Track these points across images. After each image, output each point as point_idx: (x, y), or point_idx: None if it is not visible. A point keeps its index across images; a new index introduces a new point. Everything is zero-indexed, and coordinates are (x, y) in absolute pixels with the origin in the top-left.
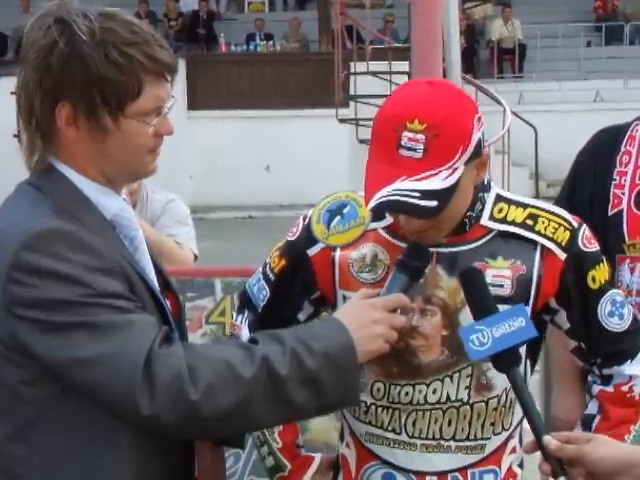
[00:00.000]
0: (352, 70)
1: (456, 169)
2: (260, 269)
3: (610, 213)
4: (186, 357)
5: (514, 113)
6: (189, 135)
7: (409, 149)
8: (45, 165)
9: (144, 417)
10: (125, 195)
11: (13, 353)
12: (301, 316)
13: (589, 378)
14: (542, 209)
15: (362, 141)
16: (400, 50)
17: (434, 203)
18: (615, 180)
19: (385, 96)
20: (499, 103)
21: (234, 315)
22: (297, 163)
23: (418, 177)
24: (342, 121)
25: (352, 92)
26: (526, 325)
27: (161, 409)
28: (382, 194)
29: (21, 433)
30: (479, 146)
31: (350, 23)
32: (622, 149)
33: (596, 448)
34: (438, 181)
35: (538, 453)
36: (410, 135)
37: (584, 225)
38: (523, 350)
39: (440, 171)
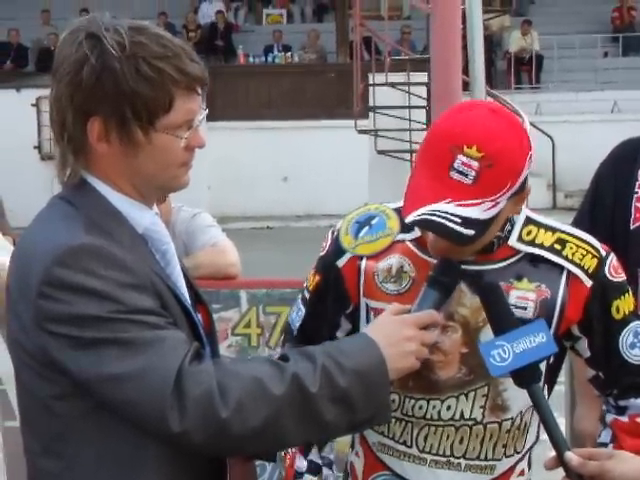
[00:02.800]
0: (371, 81)
1: (499, 203)
2: (300, 296)
3: (632, 227)
4: (216, 374)
5: (532, 124)
6: (207, 146)
7: (461, 173)
8: (77, 179)
9: (174, 434)
10: (156, 210)
11: (44, 368)
12: (339, 334)
13: (603, 407)
14: (571, 235)
15: (381, 152)
16: (418, 62)
17: (471, 232)
18: (637, 193)
19: (404, 107)
20: (517, 114)
21: (279, 349)
22: (315, 174)
23: (463, 203)
24: (361, 132)
25: (371, 103)
26: (547, 341)
27: (191, 426)
28: (424, 211)
29: (53, 447)
30: (524, 183)
31: (368, 35)
32: None
33: (618, 465)
34: (480, 211)
35: (540, 468)
36: (465, 160)
37: (612, 254)
38: (543, 374)
39: (484, 201)
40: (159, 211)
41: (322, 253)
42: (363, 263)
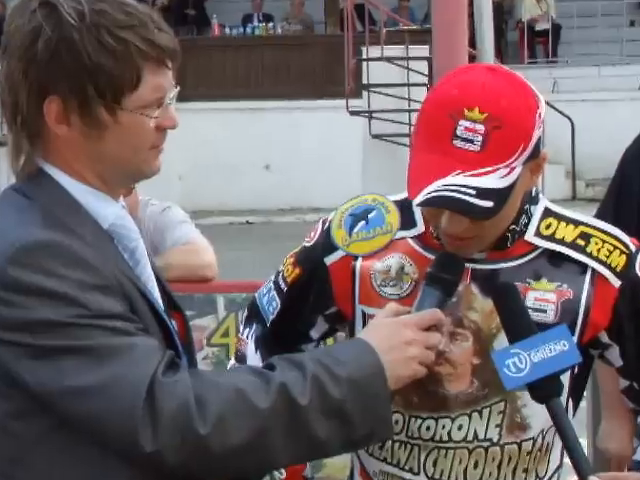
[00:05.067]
0: (364, 56)
1: (514, 168)
2: (272, 277)
3: None
4: (193, 385)
5: (547, 103)
6: (178, 130)
7: (465, 140)
8: (33, 168)
9: (146, 454)
10: (123, 202)
11: None
12: (314, 333)
13: (639, 420)
14: (596, 228)
15: (376, 136)
16: (418, 33)
17: (490, 204)
18: None
19: (402, 85)
20: None
21: (240, 328)
22: (301, 161)
23: (474, 172)
24: (353, 113)
25: (364, 81)
26: (569, 349)
27: (165, 445)
28: (432, 188)
29: (9, 473)
30: (538, 145)
31: (360, 2)
32: None
33: None
34: (495, 179)
35: None
36: (468, 124)
37: None
38: (566, 384)
39: (498, 168)
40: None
41: (308, 244)
42: (358, 264)
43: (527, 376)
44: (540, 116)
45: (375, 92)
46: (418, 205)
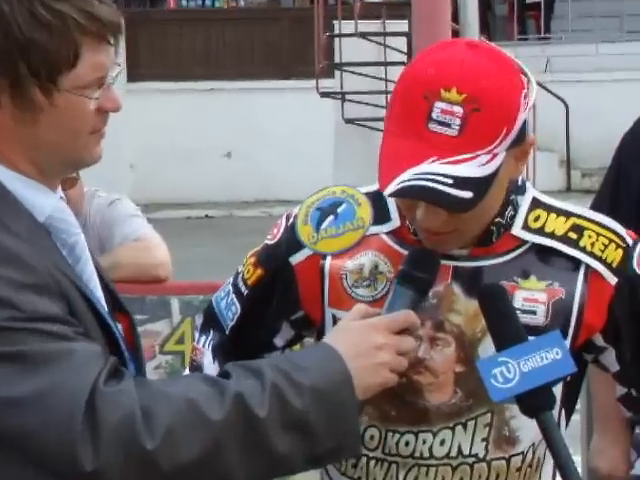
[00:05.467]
0: (336, 31)
1: (496, 155)
2: (230, 280)
3: None
4: (139, 395)
5: (539, 84)
6: (129, 113)
7: (442, 123)
8: None
9: (86, 473)
10: (61, 193)
11: None
12: (278, 341)
13: (637, 430)
14: (589, 220)
15: (349, 120)
16: (396, 5)
17: (468, 194)
18: None
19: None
20: (522, 72)
21: (196, 335)
22: (267, 148)
23: (452, 159)
24: (324, 95)
25: (336, 59)
26: (563, 358)
27: (108, 463)
28: (405, 177)
29: None
30: (523, 130)
31: None
32: None
33: None
34: (475, 167)
35: None
36: (444, 106)
37: None
38: (558, 394)
39: (478, 155)
40: (67, 198)
41: (270, 241)
42: (327, 263)
43: (516, 387)
44: (526, 97)
45: (348, 72)
46: (389, 196)
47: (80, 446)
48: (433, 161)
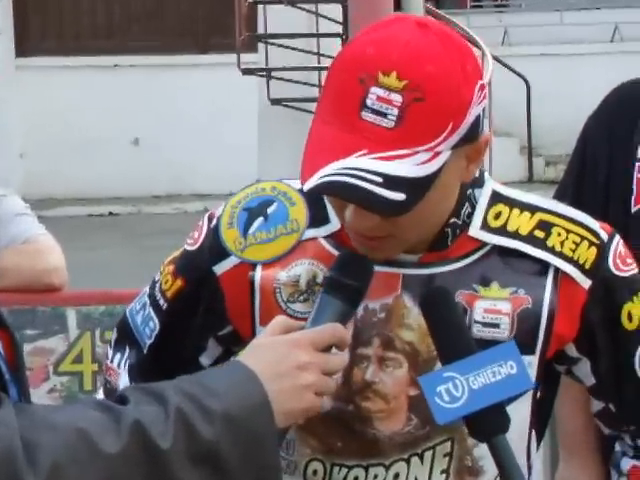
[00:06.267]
0: None
1: (439, 153)
2: (147, 290)
3: (634, 209)
4: (21, 425)
5: (496, 59)
6: (18, 94)
7: (377, 112)
8: None
9: None
10: None
11: None
12: (205, 359)
13: (617, 447)
14: (558, 214)
15: (276, 101)
16: None
17: (400, 196)
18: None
19: (310, 35)
20: (475, 45)
21: (109, 353)
22: (180, 134)
23: (384, 155)
24: (247, 72)
25: (260, 30)
26: (518, 372)
27: None
28: (328, 171)
29: None
30: (476, 126)
31: None
32: None
33: None
34: (411, 166)
35: None
36: (381, 92)
37: (616, 237)
38: (527, 417)
39: (416, 152)
40: None
41: (190, 247)
42: (257, 274)
43: (464, 407)
44: (482, 89)
45: (275, 44)
46: (307, 191)
47: None
48: (362, 155)
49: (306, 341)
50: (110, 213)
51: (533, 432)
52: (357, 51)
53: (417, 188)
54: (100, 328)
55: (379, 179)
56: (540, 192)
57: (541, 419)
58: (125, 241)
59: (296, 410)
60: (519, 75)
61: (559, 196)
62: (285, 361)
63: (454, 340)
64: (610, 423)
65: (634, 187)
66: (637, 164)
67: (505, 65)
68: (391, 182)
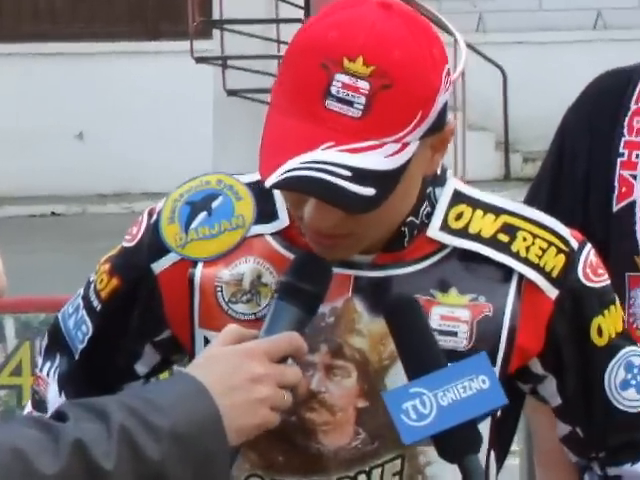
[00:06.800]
0: None
1: (407, 144)
2: (81, 291)
3: (615, 208)
4: None
5: (470, 47)
6: None
7: (343, 101)
8: None
9: None
10: None
11: None
12: (140, 367)
13: (586, 478)
14: (524, 218)
15: (232, 92)
16: None
17: (370, 191)
18: (622, 156)
19: (269, 21)
20: (447, 32)
21: (39, 361)
22: (128, 128)
23: (352, 147)
24: (201, 60)
25: (215, 15)
26: (490, 387)
27: None
28: (291, 165)
29: None
30: (443, 115)
31: None
32: (632, 106)
33: None
34: (380, 158)
35: None
36: (347, 79)
37: (588, 246)
38: (485, 433)
39: (385, 143)
40: None
41: (128, 244)
42: (198, 272)
43: (432, 425)
44: (449, 74)
45: (231, 31)
46: (270, 187)
47: None
48: (328, 147)
49: (260, 351)
50: (53, 213)
51: (492, 454)
52: (318, 35)
53: (387, 182)
54: (40, 337)
55: (348, 173)
56: (516, 190)
57: (501, 441)
58: (69, 244)
59: (250, 426)
60: (495, 64)
61: (533, 192)
62: (238, 373)
63: (421, 352)
64: (577, 450)
65: (616, 184)
66: (619, 159)
67: (479, 53)
68: (360, 176)
